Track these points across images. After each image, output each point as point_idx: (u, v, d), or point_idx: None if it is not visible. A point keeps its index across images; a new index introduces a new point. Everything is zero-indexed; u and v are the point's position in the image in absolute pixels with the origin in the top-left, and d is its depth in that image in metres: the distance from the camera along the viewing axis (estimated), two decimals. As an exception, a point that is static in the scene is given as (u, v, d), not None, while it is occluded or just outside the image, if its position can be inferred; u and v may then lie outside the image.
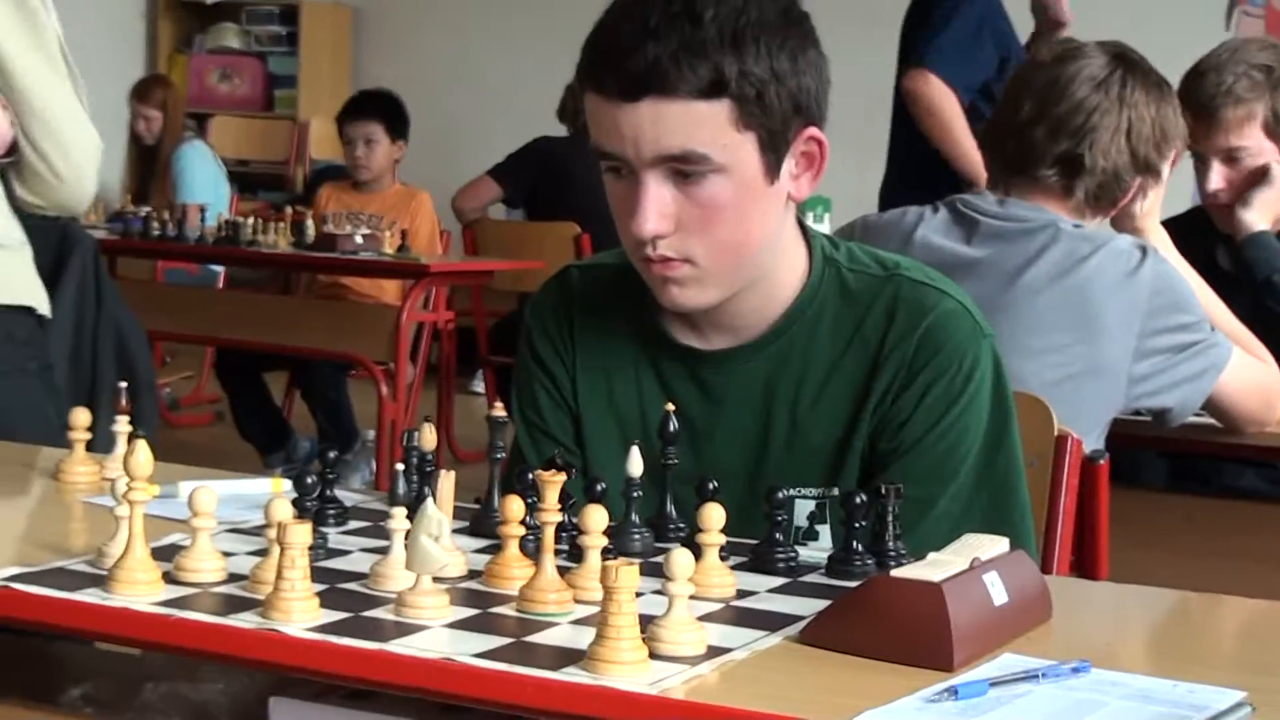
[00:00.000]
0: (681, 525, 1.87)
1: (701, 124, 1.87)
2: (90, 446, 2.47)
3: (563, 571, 1.63)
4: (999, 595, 1.56)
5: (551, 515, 1.62)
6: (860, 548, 1.76)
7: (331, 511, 1.91)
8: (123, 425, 2.13)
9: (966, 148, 4.89)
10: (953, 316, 2.01)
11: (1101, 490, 2.49)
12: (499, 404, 1.96)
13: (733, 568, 1.74)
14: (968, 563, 1.56)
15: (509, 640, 1.51)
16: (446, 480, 1.77)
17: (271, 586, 1.55)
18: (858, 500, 1.76)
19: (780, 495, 1.82)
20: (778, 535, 1.80)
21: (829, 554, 1.81)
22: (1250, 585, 3.19)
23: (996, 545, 1.63)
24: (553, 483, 1.62)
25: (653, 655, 1.45)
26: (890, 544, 1.76)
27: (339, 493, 1.96)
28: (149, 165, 9.51)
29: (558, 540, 1.65)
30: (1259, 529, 3.23)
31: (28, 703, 1.77)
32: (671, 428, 1.90)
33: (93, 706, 1.78)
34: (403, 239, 6.68)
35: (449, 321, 7.40)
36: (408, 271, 6.32)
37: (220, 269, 8.95)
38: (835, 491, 1.99)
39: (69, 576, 1.66)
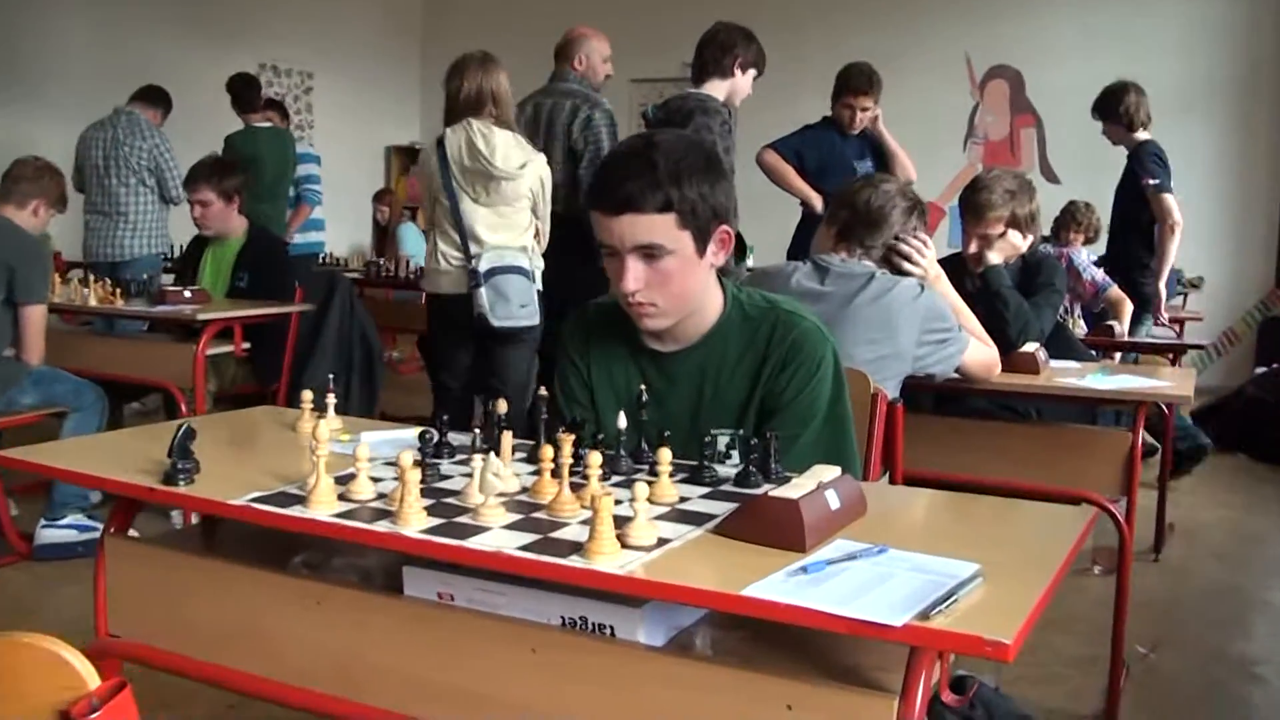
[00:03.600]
0: (649, 454, 1.68)
1: (658, 228, 1.71)
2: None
3: (577, 488, 1.45)
4: (834, 502, 1.40)
5: (566, 459, 1.44)
6: (754, 469, 1.59)
7: (446, 451, 1.72)
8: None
9: (796, 186, 4.71)
10: (810, 331, 1.84)
11: (898, 420, 2.31)
12: (543, 389, 1.79)
13: (678, 481, 1.57)
14: (815, 484, 1.39)
15: (539, 536, 1.35)
16: (506, 437, 1.60)
17: (398, 504, 1.39)
18: (751, 442, 1.61)
19: (708, 438, 1.67)
20: (706, 463, 1.63)
21: (736, 472, 1.62)
22: (984, 465, 3.07)
23: (833, 472, 1.45)
24: (565, 440, 1.44)
25: (624, 546, 1.29)
26: (773, 466, 1.60)
27: (452, 438, 1.76)
28: (383, 236, 9.34)
29: (575, 468, 1.48)
30: (994, 432, 3.06)
31: (269, 567, 1.61)
32: (643, 399, 1.73)
33: (307, 568, 1.62)
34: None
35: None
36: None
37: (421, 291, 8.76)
38: (741, 431, 1.82)
39: (285, 498, 1.49)
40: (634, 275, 1.74)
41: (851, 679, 1.24)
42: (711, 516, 1.43)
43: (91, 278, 4.45)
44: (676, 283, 1.76)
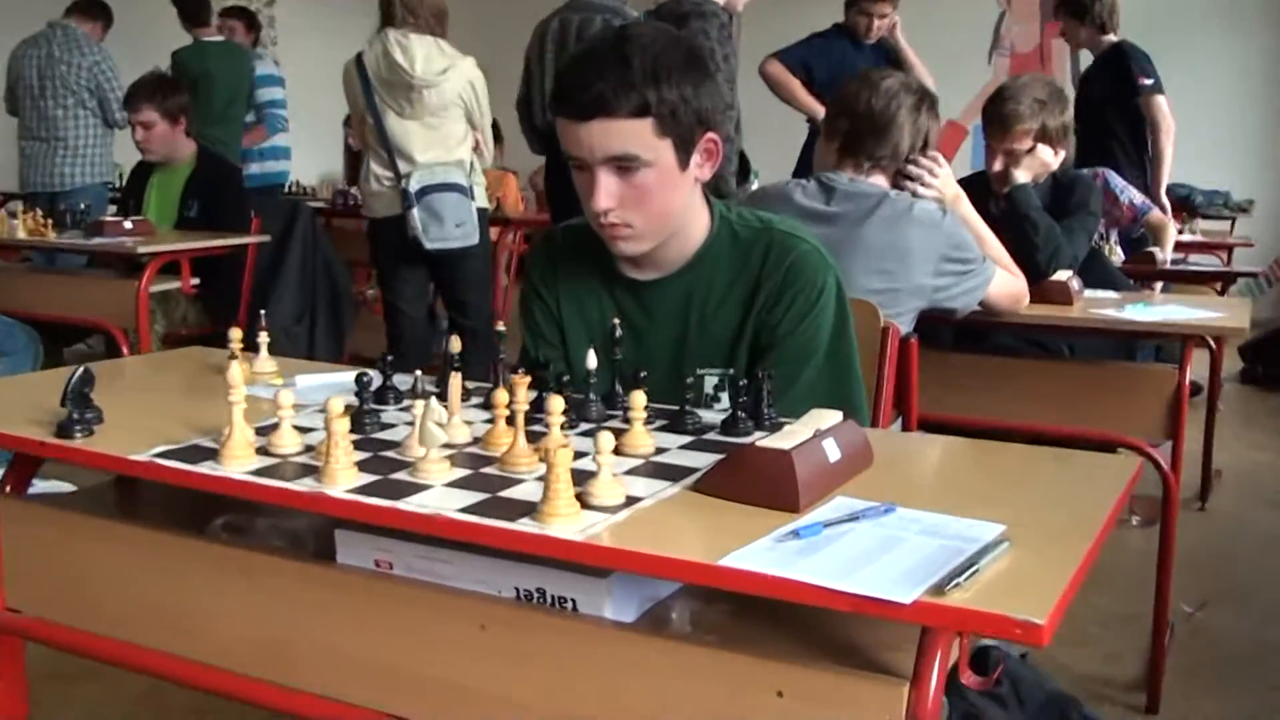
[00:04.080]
0: (624, 398, 1.57)
1: (633, 135, 1.58)
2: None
3: (537, 438, 1.33)
4: (833, 453, 1.28)
5: (521, 405, 1.32)
6: (744, 415, 1.48)
7: (391, 396, 1.62)
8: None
9: (802, 100, 4.65)
10: (809, 254, 1.72)
11: (912, 358, 2.21)
12: (501, 323, 1.68)
13: (655, 429, 1.46)
14: (811, 432, 1.28)
15: (488, 495, 1.23)
16: (455, 380, 1.48)
17: (324, 459, 1.27)
18: (740, 384, 1.50)
19: (691, 380, 1.57)
20: (689, 408, 1.52)
21: (723, 418, 1.51)
22: (1010, 408, 2.97)
23: (833, 418, 1.34)
24: (520, 383, 1.32)
25: (585, 506, 1.17)
26: (765, 411, 1.48)
27: (400, 380, 1.65)
28: (355, 162, 9.16)
29: (537, 415, 1.36)
30: (1021, 371, 2.94)
31: (187, 532, 1.50)
32: (617, 335, 1.62)
33: (228, 532, 1.52)
34: (498, 203, 6.37)
35: (525, 248, 7.05)
36: (499, 220, 6.08)
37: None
38: (731, 371, 1.72)
39: (197, 452, 1.38)
40: (606, 191, 1.62)
41: (854, 660, 1.13)
42: (692, 470, 1.32)
43: (21, 208, 4.32)
44: (655, 200, 1.64)
